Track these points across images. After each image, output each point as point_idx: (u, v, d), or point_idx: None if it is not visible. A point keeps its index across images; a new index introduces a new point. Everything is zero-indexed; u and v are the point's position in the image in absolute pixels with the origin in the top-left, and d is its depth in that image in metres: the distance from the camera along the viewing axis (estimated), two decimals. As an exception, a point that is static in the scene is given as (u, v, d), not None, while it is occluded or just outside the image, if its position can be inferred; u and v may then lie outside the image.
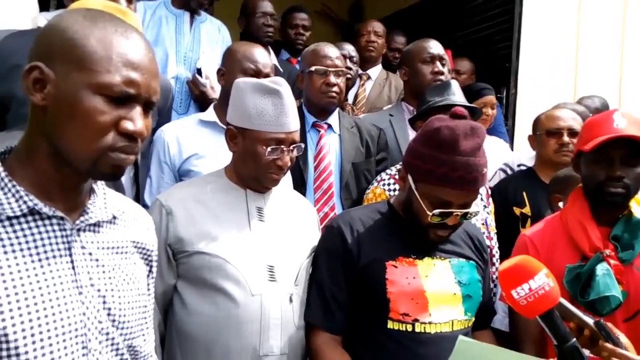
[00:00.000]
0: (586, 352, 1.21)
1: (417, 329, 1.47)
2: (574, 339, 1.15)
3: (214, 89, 2.54)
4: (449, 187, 1.44)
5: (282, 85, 1.57)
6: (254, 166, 1.57)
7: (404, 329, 1.48)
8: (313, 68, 2.27)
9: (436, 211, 1.46)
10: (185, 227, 1.53)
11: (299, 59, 2.88)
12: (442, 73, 2.50)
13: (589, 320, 1.24)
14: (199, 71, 2.63)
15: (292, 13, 3.59)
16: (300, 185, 2.15)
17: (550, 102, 3.03)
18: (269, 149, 1.54)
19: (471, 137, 1.45)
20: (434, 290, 1.51)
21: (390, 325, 1.49)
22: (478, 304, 1.60)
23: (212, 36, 2.83)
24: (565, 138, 2.42)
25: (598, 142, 1.58)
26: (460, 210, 1.47)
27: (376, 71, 3.59)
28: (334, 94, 2.27)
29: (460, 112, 1.52)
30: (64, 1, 2.07)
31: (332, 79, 2.26)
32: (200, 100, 2.62)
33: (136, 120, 0.91)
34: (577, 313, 1.24)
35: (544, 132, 2.49)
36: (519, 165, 2.75)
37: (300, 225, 1.68)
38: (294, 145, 1.59)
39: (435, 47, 2.57)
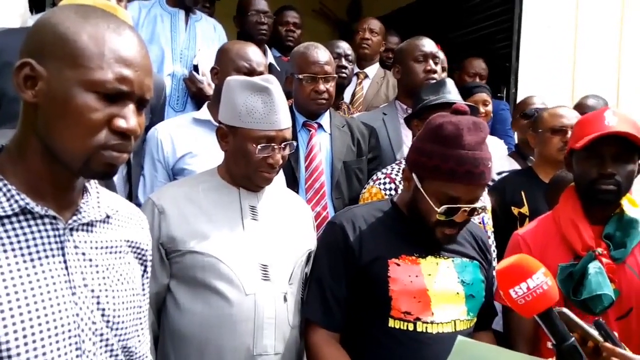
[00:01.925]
0: None
1: (419, 328, 1.46)
2: (573, 338, 1.14)
3: (211, 86, 2.52)
4: (457, 183, 1.43)
5: (272, 83, 1.55)
6: (245, 165, 1.56)
7: (405, 327, 1.46)
8: (301, 76, 2.24)
9: (443, 207, 1.44)
10: (177, 226, 1.52)
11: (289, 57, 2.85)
12: (434, 71, 2.47)
13: (593, 331, 1.23)
14: (195, 68, 2.61)
15: (283, 11, 3.56)
16: (292, 185, 2.14)
17: (550, 101, 3.03)
18: (259, 147, 1.52)
19: (475, 131, 1.44)
20: (436, 289, 1.50)
21: (391, 323, 1.47)
22: (481, 304, 1.58)
23: (208, 34, 2.82)
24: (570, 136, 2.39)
25: (589, 139, 1.59)
26: (468, 206, 1.45)
27: (374, 69, 3.56)
28: (323, 101, 2.25)
29: (462, 108, 1.52)
30: (55, 2, 2.06)
31: (321, 86, 2.23)
32: (197, 98, 2.60)
33: (129, 118, 0.89)
34: (580, 323, 1.23)
35: (548, 130, 2.46)
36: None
37: (295, 224, 1.67)
38: (285, 143, 1.57)
39: (428, 45, 2.53)
